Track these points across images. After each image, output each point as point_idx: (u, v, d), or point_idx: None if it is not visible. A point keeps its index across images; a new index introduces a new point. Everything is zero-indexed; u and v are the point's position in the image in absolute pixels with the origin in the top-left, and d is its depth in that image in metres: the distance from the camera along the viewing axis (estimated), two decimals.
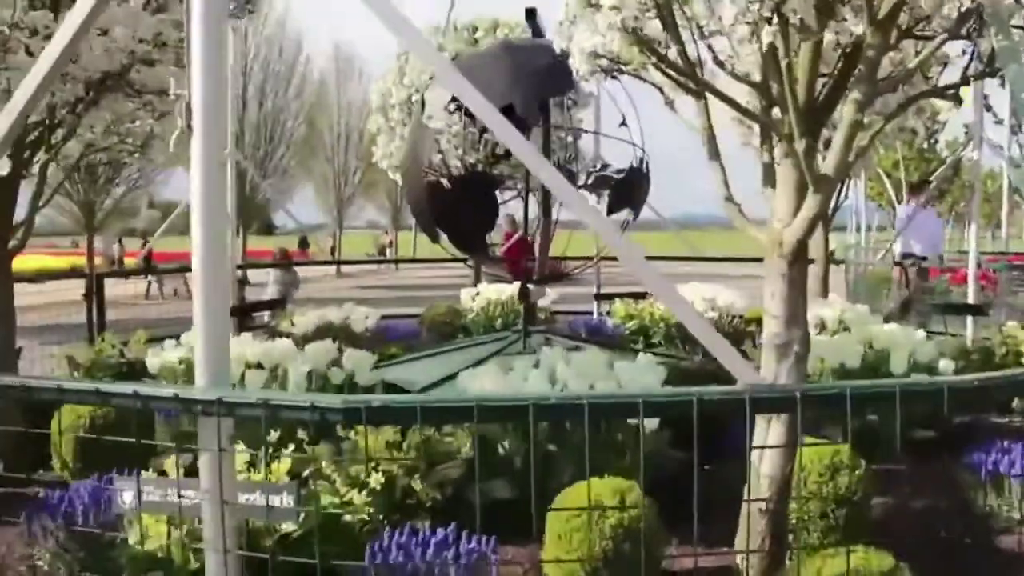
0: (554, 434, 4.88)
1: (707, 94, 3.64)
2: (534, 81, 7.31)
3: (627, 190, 8.17)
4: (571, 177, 7.92)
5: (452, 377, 7.24)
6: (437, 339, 10.67)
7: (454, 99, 7.09)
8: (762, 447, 3.34)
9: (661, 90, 3.95)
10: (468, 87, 3.02)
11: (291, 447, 4.69)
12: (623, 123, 8.21)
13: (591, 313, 13.28)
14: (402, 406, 2.38)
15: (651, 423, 4.67)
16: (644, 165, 8.08)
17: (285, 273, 12.81)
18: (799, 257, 3.36)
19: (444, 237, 7.53)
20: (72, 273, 18.39)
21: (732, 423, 6.24)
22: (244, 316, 11.55)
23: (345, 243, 42.68)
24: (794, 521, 3.73)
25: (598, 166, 9.90)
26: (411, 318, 12.05)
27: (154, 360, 7.24)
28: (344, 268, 35.73)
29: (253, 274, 13.58)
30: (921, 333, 6.82)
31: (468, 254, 7.54)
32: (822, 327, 7.72)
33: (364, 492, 4.30)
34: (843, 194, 12.19)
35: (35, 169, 5.75)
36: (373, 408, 2.35)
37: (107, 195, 25.14)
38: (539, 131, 7.66)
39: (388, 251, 44.89)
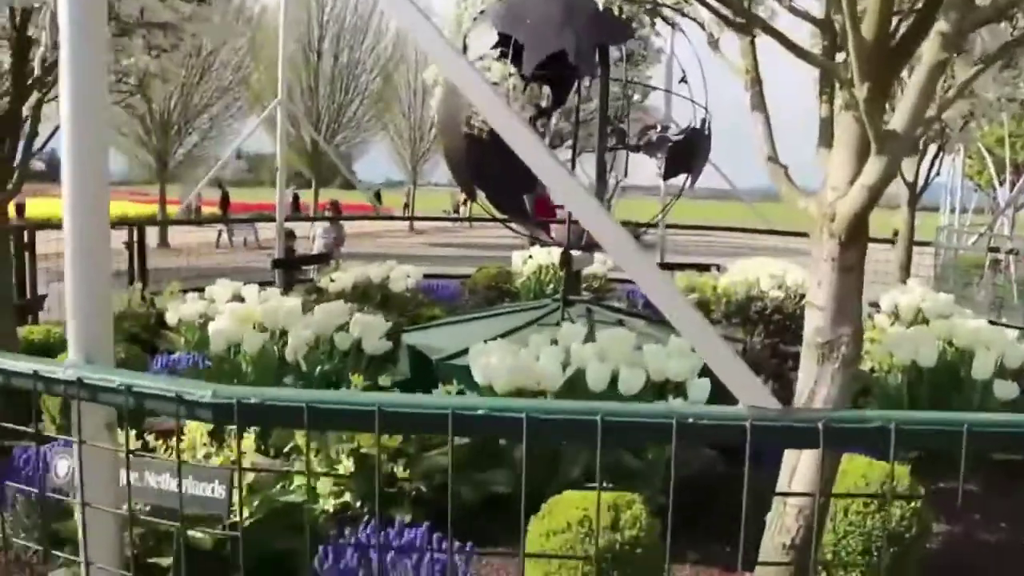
0: None
1: (757, 31, 2.96)
2: (590, 26, 6.61)
3: (684, 153, 7.44)
4: (621, 136, 7.23)
5: None
6: (480, 303, 10.12)
7: (497, 44, 6.45)
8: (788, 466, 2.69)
9: (703, 26, 3.27)
10: (457, 59, 2.36)
11: None
12: (683, 79, 7.46)
13: None
14: (285, 405, 1.81)
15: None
16: (706, 127, 7.32)
17: (331, 227, 12.39)
18: (855, 236, 2.67)
19: (483, 195, 6.95)
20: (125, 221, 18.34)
21: None
22: (289, 269, 11.20)
23: (422, 200, 42.43)
24: (829, 556, 3.08)
25: (659, 127, 9.19)
26: (459, 279, 11.52)
27: (172, 314, 6.85)
28: (417, 225, 35.47)
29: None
30: (1013, 332, 5.93)
31: (506, 214, 6.92)
32: (896, 317, 6.92)
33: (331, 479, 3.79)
34: (935, 170, 11.17)
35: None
36: (248, 405, 1.80)
37: (180, 144, 25.20)
38: (586, 84, 7.01)
39: (462, 208, 44.47)
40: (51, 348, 5.60)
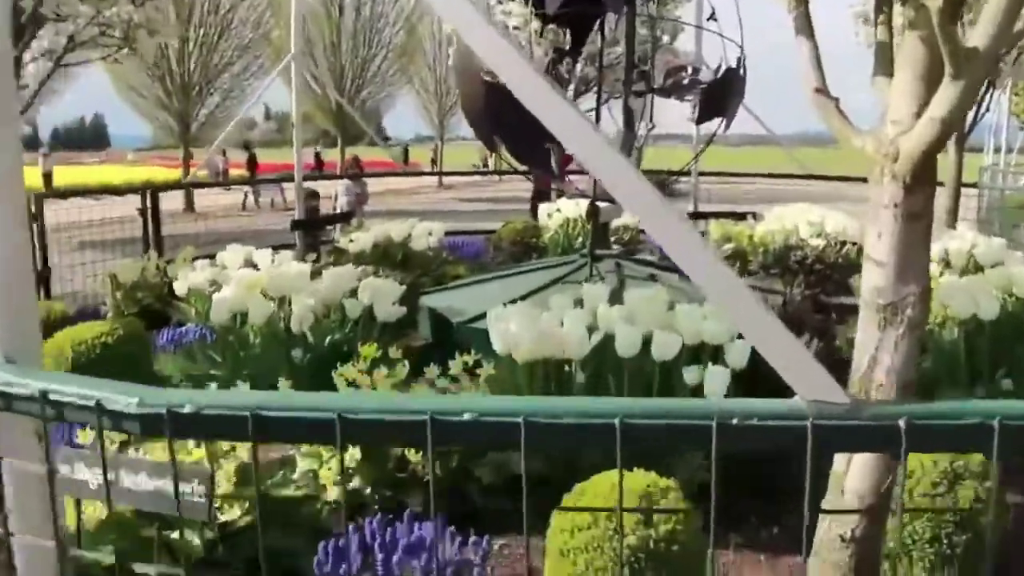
0: (591, 389, 3.93)
1: None
2: None
3: (718, 95, 6.96)
4: (645, 78, 6.77)
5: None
6: (505, 260, 9.75)
7: None
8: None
9: None
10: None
11: None
12: (712, 16, 6.97)
13: None
14: (226, 414, 1.46)
15: (721, 381, 3.67)
16: (741, 66, 6.83)
17: (353, 184, 12.03)
18: (922, 178, 2.25)
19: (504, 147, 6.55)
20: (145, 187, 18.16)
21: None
22: (309, 231, 10.88)
23: (450, 154, 41.91)
24: (891, 545, 2.70)
25: (690, 69, 8.68)
26: (486, 235, 11.14)
27: (181, 283, 6.55)
28: (446, 180, 35.05)
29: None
30: None
31: (529, 166, 6.51)
32: (946, 265, 6.46)
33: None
34: (984, 107, 10.58)
35: None
36: (181, 415, 1.44)
37: (201, 106, 24.89)
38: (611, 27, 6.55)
39: (490, 162, 43.90)
40: (49, 326, 5.33)
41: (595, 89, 7.20)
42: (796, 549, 3.42)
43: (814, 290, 8.11)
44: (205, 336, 5.41)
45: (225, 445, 3.25)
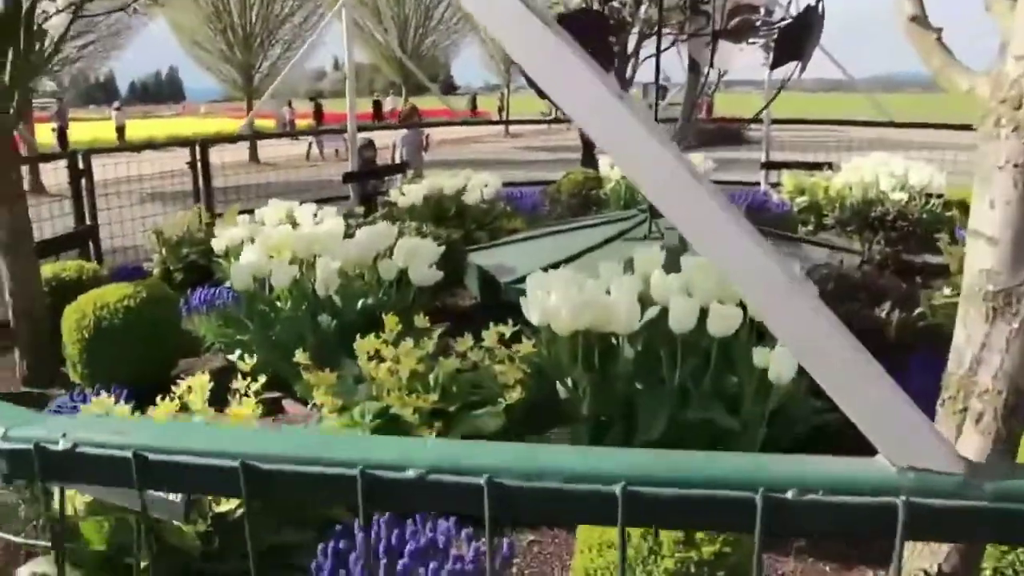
0: (641, 366, 3.51)
1: None
2: None
3: (795, 37, 6.35)
4: (716, 21, 6.19)
5: (553, 267, 5.93)
6: (563, 213, 9.30)
7: None
8: None
9: None
10: None
11: None
12: None
13: (758, 184, 11.44)
14: (105, 455, 1.09)
15: (786, 367, 3.22)
16: (820, 5, 6.19)
17: (410, 134, 11.63)
18: None
19: None
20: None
21: (914, 350, 4.67)
22: (363, 182, 10.57)
23: (519, 103, 41.18)
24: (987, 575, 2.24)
25: (762, 10, 8.02)
26: (545, 185, 10.67)
27: (220, 240, 6.29)
28: (514, 128, 34.46)
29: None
30: None
31: None
32: None
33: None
34: None
35: None
36: (53, 454, 1.08)
37: (264, 57, 24.71)
38: None
39: (555, 110, 43.01)
40: (81, 286, 5.10)
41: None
42: (868, 559, 2.99)
43: (895, 248, 7.49)
44: (238, 298, 5.12)
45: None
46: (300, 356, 3.62)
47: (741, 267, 0.93)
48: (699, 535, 2.22)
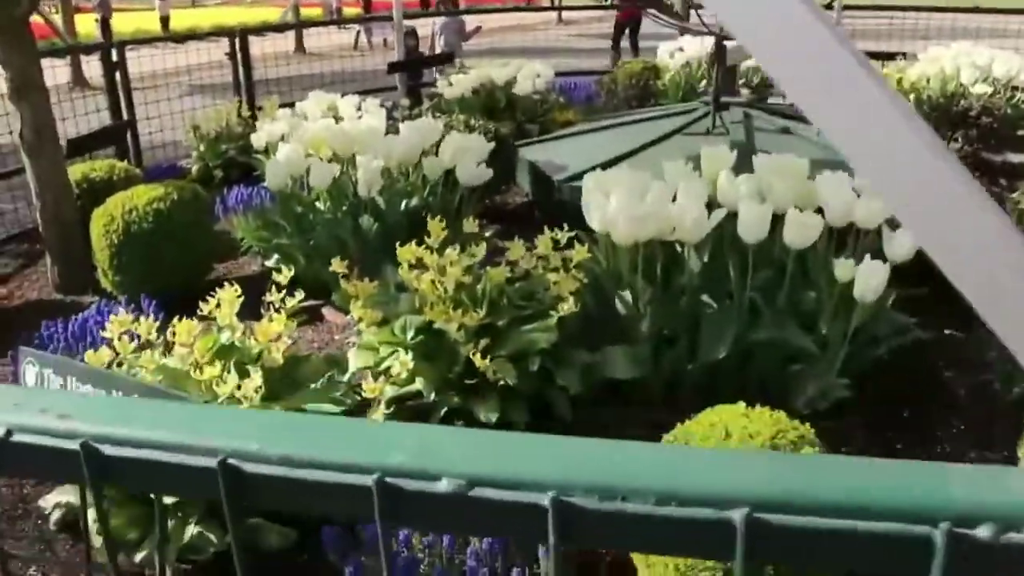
0: (707, 279, 3.19)
1: None
2: None
3: None
4: None
5: (608, 164, 5.55)
6: (619, 105, 8.81)
7: None
8: None
9: None
10: None
11: None
12: None
13: None
14: (48, 447, 0.82)
15: (880, 279, 2.87)
16: None
17: (451, 21, 11.09)
18: None
19: None
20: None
21: None
22: (408, 72, 10.13)
23: None
24: None
25: None
26: (599, 75, 10.13)
27: (260, 135, 5.99)
28: (566, 15, 33.24)
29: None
30: None
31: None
32: None
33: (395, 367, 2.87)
34: None
35: None
36: None
37: None
38: None
39: None
40: (112, 187, 4.86)
41: None
42: None
43: (975, 146, 6.95)
44: (276, 198, 4.87)
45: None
46: (337, 264, 3.35)
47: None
48: None
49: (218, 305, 2.89)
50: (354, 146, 4.30)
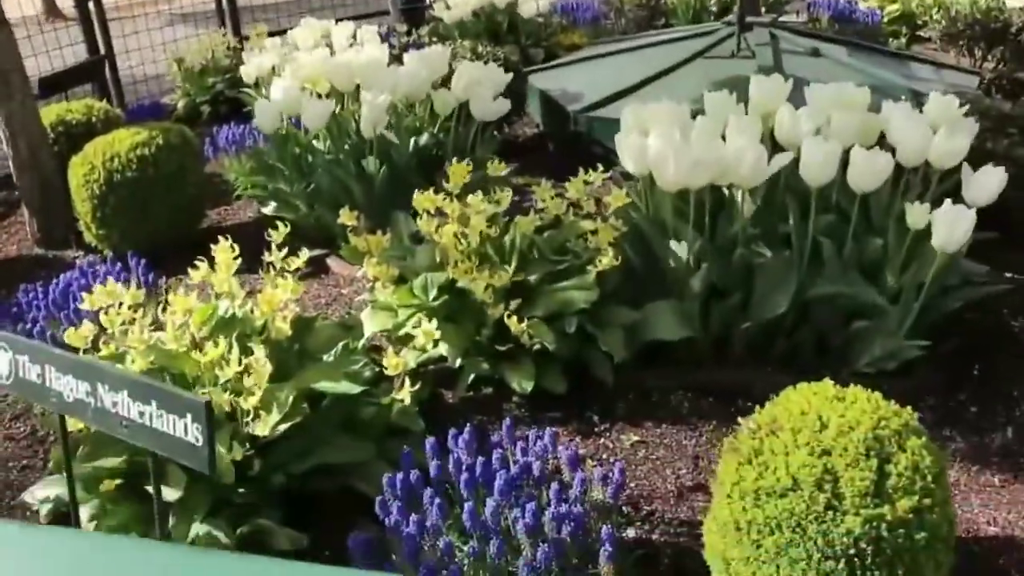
0: (761, 225, 2.85)
1: None
2: None
3: None
4: None
5: (627, 92, 5.17)
6: (629, 27, 8.32)
7: None
8: None
9: None
10: None
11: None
12: None
13: None
14: None
15: (965, 225, 2.54)
16: None
17: None
18: None
19: None
20: None
21: None
22: None
23: None
24: None
25: None
26: None
27: (249, 67, 5.56)
28: None
29: None
30: None
31: None
32: None
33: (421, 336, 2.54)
34: None
35: None
36: None
37: None
38: None
39: None
40: (92, 131, 4.45)
41: None
42: None
43: (1009, 66, 6.53)
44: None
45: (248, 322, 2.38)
46: (345, 215, 3.01)
47: None
48: (892, 482, 1.64)
49: (213, 267, 2.56)
50: (355, 79, 3.90)
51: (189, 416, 1.69)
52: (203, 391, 2.20)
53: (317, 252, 3.78)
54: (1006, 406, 2.76)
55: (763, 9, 7.33)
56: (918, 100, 3.37)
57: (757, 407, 1.93)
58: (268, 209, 4.01)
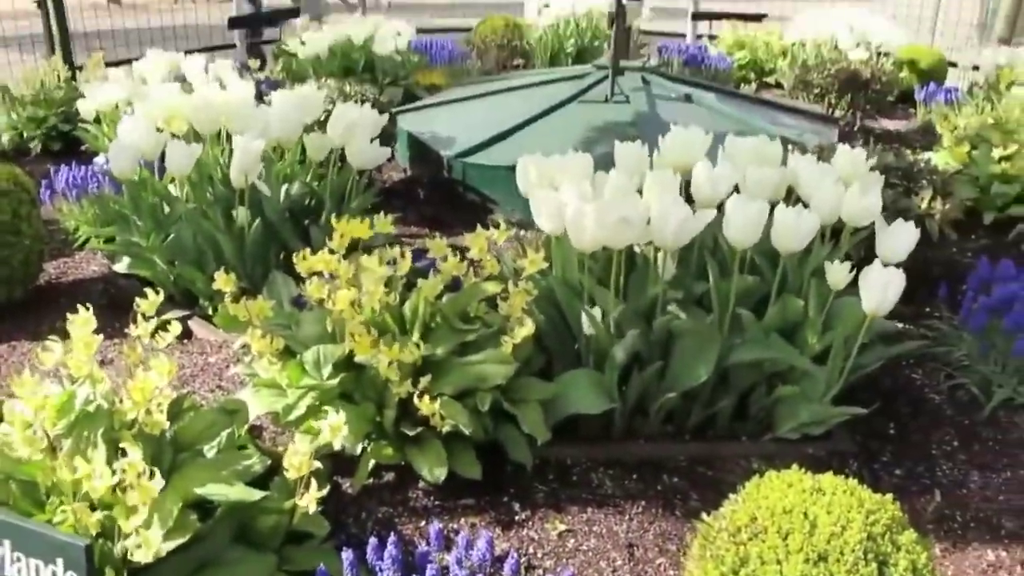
0: (680, 288, 2.69)
1: None
2: None
3: None
4: None
5: (503, 137, 4.99)
6: (491, 68, 8.20)
7: None
8: None
9: None
10: None
11: None
12: None
13: (683, 36, 10.47)
14: None
15: (895, 288, 2.45)
16: None
17: None
18: None
19: None
20: None
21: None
22: (250, 28, 9.13)
23: None
24: None
25: None
26: (460, 32, 9.46)
27: (88, 101, 5.04)
28: None
29: None
30: None
31: None
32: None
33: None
34: None
35: None
36: None
37: None
38: None
39: None
40: None
41: None
42: None
43: (861, 113, 6.80)
44: (119, 185, 3.99)
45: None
46: (221, 279, 2.64)
47: None
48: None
49: (68, 349, 2.14)
50: (219, 120, 3.52)
51: (60, 563, 1.33)
52: (61, 506, 1.81)
53: (177, 313, 3.37)
54: (928, 468, 2.69)
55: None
56: (788, 147, 3.32)
57: (730, 497, 1.73)
58: (120, 266, 3.55)
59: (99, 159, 4.71)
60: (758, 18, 9.67)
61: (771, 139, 2.96)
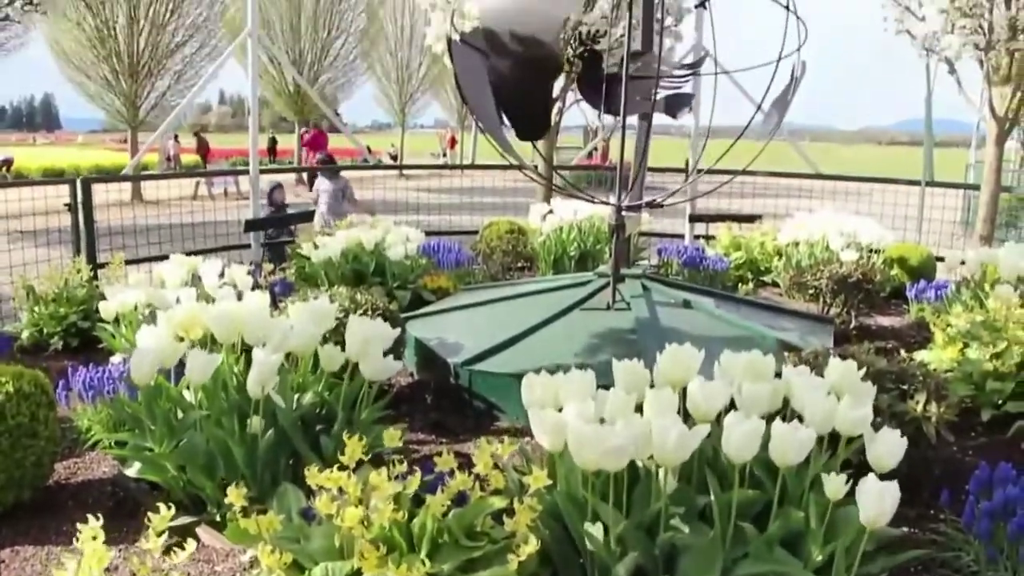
0: (682, 503, 2.74)
1: None
2: None
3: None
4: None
5: (508, 344, 5.14)
6: (497, 272, 8.51)
7: None
8: None
9: None
10: None
11: None
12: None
13: (682, 237, 10.90)
14: None
15: (891, 500, 2.51)
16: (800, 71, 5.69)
17: (335, 178, 10.62)
18: None
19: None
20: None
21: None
22: (266, 231, 9.57)
23: (408, 142, 40.43)
24: None
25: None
26: (457, 235, 9.86)
27: (109, 303, 5.26)
28: (407, 170, 33.77)
29: None
30: None
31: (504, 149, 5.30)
32: None
33: None
34: None
35: None
36: None
37: (151, 88, 23.29)
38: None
39: (449, 152, 42.82)
40: None
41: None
42: None
43: (856, 311, 7.01)
44: (134, 389, 4.10)
45: None
46: (234, 494, 2.70)
47: None
48: None
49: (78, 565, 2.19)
50: (237, 331, 3.68)
51: None
52: None
53: (184, 519, 3.40)
54: None
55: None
56: (787, 350, 3.45)
57: None
58: (131, 471, 3.61)
59: (115, 358, 4.85)
60: (752, 219, 10.12)
61: (768, 342, 3.10)
